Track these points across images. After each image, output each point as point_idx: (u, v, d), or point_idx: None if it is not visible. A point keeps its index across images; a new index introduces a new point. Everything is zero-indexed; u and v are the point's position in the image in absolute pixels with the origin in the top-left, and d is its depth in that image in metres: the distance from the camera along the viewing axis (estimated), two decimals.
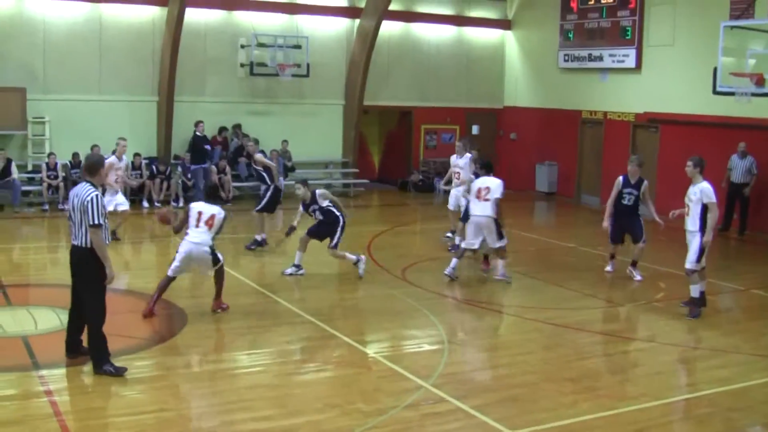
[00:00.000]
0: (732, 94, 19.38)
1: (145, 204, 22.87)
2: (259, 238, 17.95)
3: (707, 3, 22.99)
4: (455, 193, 18.60)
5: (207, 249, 12.38)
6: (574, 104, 27.57)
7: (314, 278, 15.31)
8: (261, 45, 25.49)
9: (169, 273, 12.43)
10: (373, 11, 26.62)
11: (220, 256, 12.61)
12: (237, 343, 11.36)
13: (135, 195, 23.07)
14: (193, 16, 24.52)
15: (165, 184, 23.54)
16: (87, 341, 9.80)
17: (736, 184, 21.09)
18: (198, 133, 22.93)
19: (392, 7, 26.93)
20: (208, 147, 22.80)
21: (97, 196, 9.45)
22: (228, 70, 25.79)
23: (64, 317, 10.42)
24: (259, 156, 17.99)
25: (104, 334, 9.66)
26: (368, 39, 26.71)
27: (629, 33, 25.35)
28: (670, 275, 15.76)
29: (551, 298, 14.64)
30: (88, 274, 9.59)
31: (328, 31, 27.25)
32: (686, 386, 10.48)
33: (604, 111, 26.55)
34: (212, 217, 12.46)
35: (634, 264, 15.91)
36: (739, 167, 21.35)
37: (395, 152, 30.43)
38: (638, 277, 15.74)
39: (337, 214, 15.48)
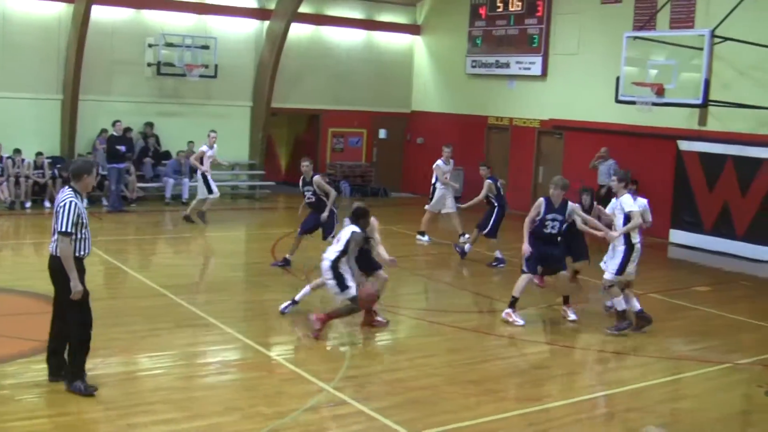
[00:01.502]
0: (634, 103, 19.78)
1: (47, 204, 22.46)
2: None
3: (611, 14, 23.54)
4: (441, 194, 20.05)
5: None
6: (481, 110, 27.92)
7: (218, 281, 15.27)
8: (169, 45, 25.28)
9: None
10: (282, 14, 26.62)
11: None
12: (139, 346, 11.25)
13: (37, 195, 22.68)
14: (100, 14, 24.17)
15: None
16: (67, 354, 9.38)
17: (602, 186, 21.75)
18: (115, 133, 22.64)
19: (302, 9, 26.96)
20: (123, 148, 22.49)
21: (71, 202, 9.06)
22: (135, 70, 25.48)
23: None
24: (317, 179, 16.54)
25: (88, 348, 9.36)
26: (277, 41, 26.69)
27: (536, 41, 25.81)
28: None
29: (455, 302, 14.85)
30: (64, 284, 9.14)
31: (237, 32, 27.15)
32: (586, 387, 10.71)
33: (510, 117, 26.95)
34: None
35: (566, 301, 13.98)
36: (602, 171, 22.40)
37: (303, 155, 30.23)
38: (573, 317, 13.79)
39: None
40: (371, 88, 30.02)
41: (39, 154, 23.12)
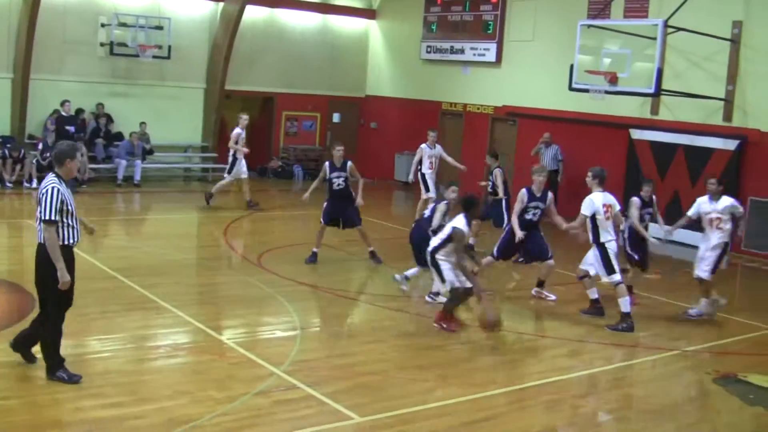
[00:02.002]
0: (587, 91, 19.85)
1: None
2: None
3: (567, 1, 23.68)
4: (431, 179, 19.71)
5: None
6: (435, 95, 27.98)
7: (170, 264, 15.17)
8: (122, 25, 24.98)
9: None
10: None
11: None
12: (89, 329, 11.11)
13: None
14: None
15: (18, 166, 22.77)
16: (42, 346, 9.22)
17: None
18: (64, 113, 22.34)
19: None
20: (71, 128, 22.21)
21: (53, 188, 8.76)
22: (88, 50, 25.17)
23: None
24: (352, 164, 16.20)
25: (58, 341, 9.18)
26: (232, 23, 26.50)
27: (491, 27, 25.87)
28: (524, 267, 16.05)
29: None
30: (44, 274, 8.95)
31: (192, 13, 26.92)
32: (533, 374, 10.74)
33: (465, 103, 27.01)
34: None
35: (541, 284, 14.58)
36: (546, 156, 22.58)
37: (256, 138, 30.15)
38: (552, 297, 14.44)
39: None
40: (326, 72, 29.94)
41: None
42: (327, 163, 16.22)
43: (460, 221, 12.03)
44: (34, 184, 22.39)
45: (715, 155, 20.20)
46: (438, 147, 20.04)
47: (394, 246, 17.47)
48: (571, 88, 20.31)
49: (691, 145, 20.64)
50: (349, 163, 16.02)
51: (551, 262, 14.32)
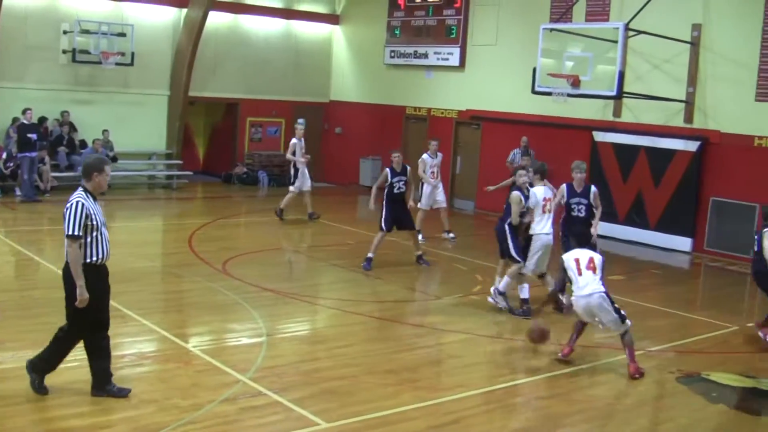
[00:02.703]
0: (550, 94, 19.96)
1: None
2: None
3: (529, 5, 23.80)
4: (430, 189, 19.55)
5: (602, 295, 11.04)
6: (399, 100, 28.05)
7: (134, 272, 15.08)
8: (84, 32, 24.81)
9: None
10: (200, 1, 26.32)
11: (624, 314, 11.23)
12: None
13: None
14: None
15: None
16: (42, 351, 9.05)
17: None
18: (25, 121, 22.18)
19: None
20: (33, 135, 22.05)
21: (78, 203, 8.52)
22: (50, 57, 25.00)
23: None
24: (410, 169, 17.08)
25: (108, 352, 9.07)
26: (195, 29, 26.42)
27: (454, 32, 25.98)
28: (488, 269, 16.14)
29: (372, 292, 14.92)
30: (68, 292, 8.72)
31: (154, 20, 26.82)
32: (501, 376, 10.77)
33: (429, 107, 27.10)
34: (591, 260, 11.15)
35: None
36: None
37: (221, 144, 30.24)
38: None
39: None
40: (290, 77, 29.95)
41: None
42: (388, 170, 16.64)
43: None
44: None
45: (676, 156, 20.41)
46: (440, 156, 19.93)
47: (354, 250, 17.51)
48: (534, 91, 20.40)
49: (653, 146, 20.85)
50: (408, 168, 16.76)
51: None
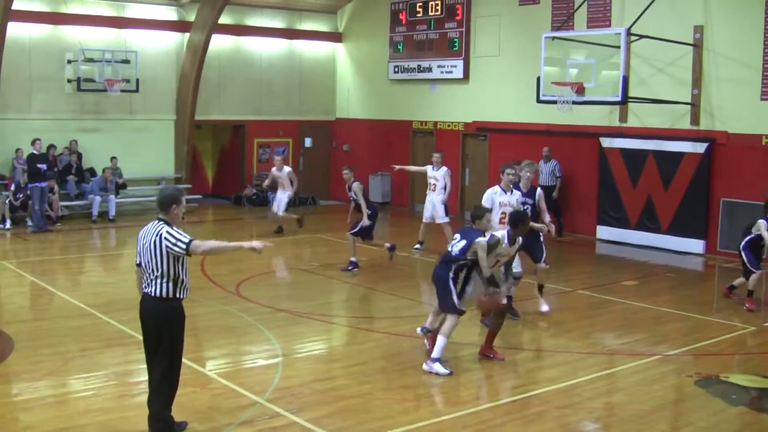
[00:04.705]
0: (554, 102, 19.95)
1: None
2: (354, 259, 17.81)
3: (530, 15, 23.81)
4: (430, 203, 19.98)
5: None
6: (405, 115, 28.08)
7: None
8: (88, 60, 24.94)
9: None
10: (202, 25, 26.43)
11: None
12: (68, 367, 11.08)
13: None
14: (17, 30, 23.79)
15: None
16: (154, 413, 8.60)
17: (543, 187, 21.81)
18: (35, 152, 22.24)
19: (222, 20, 26.80)
20: (43, 166, 22.11)
21: (169, 229, 8.29)
22: (55, 86, 25.12)
23: None
24: (356, 186, 18.05)
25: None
26: (198, 53, 26.51)
27: (456, 44, 26.00)
28: None
29: (385, 308, 14.90)
30: (168, 330, 8.54)
31: (158, 45, 26.93)
32: (517, 387, 10.74)
33: (435, 121, 27.12)
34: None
35: (540, 289, 14.41)
36: (544, 171, 22.47)
37: (229, 166, 30.29)
38: (545, 308, 14.26)
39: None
40: (295, 96, 30.02)
41: None
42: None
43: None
44: (8, 225, 22.27)
45: (684, 159, 20.37)
46: (443, 169, 20.09)
47: (367, 267, 17.53)
48: (538, 101, 20.40)
49: (661, 150, 20.81)
50: (356, 184, 17.98)
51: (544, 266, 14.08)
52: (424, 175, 20.51)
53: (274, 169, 22.56)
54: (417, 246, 20.07)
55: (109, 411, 9.49)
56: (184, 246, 8.19)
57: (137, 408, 9.34)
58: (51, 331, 12.81)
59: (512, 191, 13.75)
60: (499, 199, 13.66)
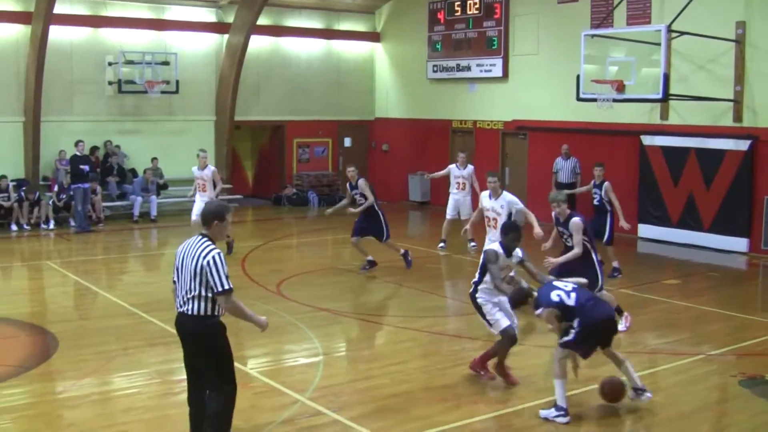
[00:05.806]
0: (594, 100, 19.82)
1: (13, 227, 22.30)
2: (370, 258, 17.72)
3: (569, 13, 23.68)
4: (454, 200, 20.16)
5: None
6: (444, 114, 28.03)
7: None
8: (129, 62, 25.17)
9: None
10: (241, 27, 26.57)
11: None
12: (111, 366, 11.19)
13: (3, 219, 22.51)
14: (58, 34, 24.07)
15: (35, 208, 22.86)
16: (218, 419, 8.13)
17: (563, 184, 21.71)
18: (78, 153, 22.43)
19: (260, 21, 26.92)
20: (86, 167, 22.31)
21: (219, 254, 7.75)
22: (96, 89, 25.37)
23: None
24: (362, 182, 17.56)
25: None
26: (237, 54, 26.65)
27: (495, 43, 25.92)
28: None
29: (425, 307, 14.86)
30: (209, 349, 8.06)
31: (197, 47, 27.10)
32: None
33: (474, 120, 27.06)
34: None
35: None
36: (564, 168, 22.44)
37: (268, 167, 30.40)
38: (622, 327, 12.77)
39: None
40: (334, 96, 30.06)
41: (3, 177, 22.87)
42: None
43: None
44: (51, 226, 22.57)
45: (727, 156, 20.16)
46: (469, 167, 20.31)
47: (415, 267, 17.54)
48: (578, 99, 20.28)
49: (703, 147, 20.61)
50: (362, 181, 17.35)
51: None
52: (449, 176, 20.52)
53: (195, 168, 19.91)
54: (441, 245, 19.97)
55: (152, 409, 9.57)
56: (221, 290, 7.71)
57: (179, 406, 9.38)
58: (94, 330, 12.94)
59: (498, 198, 14.34)
60: (484, 203, 14.57)
